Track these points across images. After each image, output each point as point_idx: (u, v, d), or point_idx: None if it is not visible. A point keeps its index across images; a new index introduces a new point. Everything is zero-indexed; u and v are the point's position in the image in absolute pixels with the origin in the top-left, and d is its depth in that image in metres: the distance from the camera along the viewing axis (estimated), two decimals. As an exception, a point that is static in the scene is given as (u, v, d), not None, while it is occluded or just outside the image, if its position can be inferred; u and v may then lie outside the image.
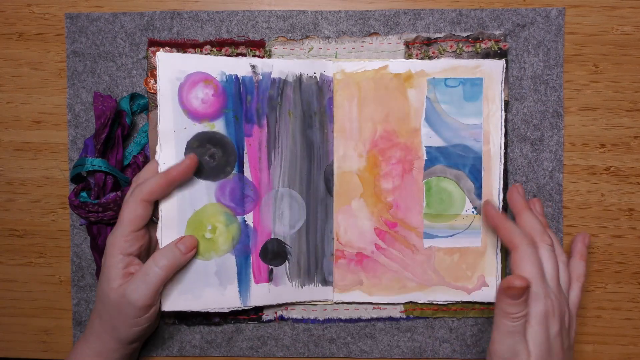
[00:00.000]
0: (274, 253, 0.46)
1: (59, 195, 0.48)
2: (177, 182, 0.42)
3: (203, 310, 0.44)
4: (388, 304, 0.47)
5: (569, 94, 0.47)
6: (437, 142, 0.46)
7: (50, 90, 0.48)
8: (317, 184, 0.46)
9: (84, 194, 0.45)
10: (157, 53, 0.43)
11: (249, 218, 0.45)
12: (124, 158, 0.46)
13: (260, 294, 0.45)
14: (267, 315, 0.47)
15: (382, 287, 0.47)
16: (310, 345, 0.48)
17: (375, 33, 0.47)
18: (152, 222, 0.43)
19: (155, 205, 0.43)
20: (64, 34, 0.48)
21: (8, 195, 0.48)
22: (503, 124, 0.46)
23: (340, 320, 0.48)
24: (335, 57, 0.47)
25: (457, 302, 0.47)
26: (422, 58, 0.46)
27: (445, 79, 0.46)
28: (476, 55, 0.46)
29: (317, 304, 0.48)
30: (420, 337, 0.48)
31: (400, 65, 0.46)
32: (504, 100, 0.46)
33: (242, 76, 0.45)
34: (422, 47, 0.47)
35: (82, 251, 0.48)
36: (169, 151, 0.43)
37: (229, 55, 0.46)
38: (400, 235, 0.47)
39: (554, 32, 0.47)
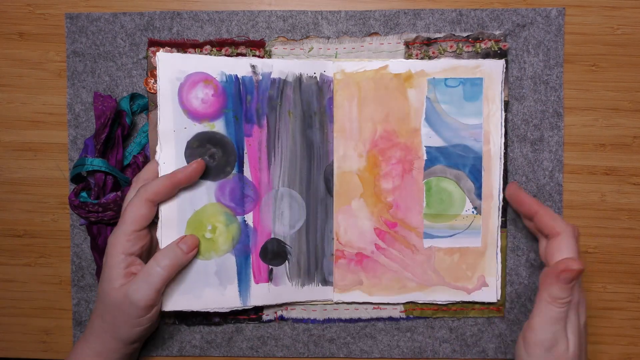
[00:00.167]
0: (274, 253, 0.46)
1: (59, 195, 0.48)
2: (182, 184, 0.42)
3: (203, 310, 0.44)
4: (388, 304, 0.47)
5: (569, 94, 0.47)
6: (437, 142, 0.46)
7: (50, 90, 0.48)
8: (317, 184, 0.46)
9: (84, 194, 0.45)
10: (157, 53, 0.43)
11: (249, 218, 0.45)
12: (124, 158, 0.46)
13: (260, 294, 0.45)
14: (267, 315, 0.47)
15: (382, 287, 0.47)
16: (310, 345, 0.48)
17: (375, 33, 0.47)
18: (153, 222, 0.43)
19: None
20: (64, 34, 0.48)
21: (8, 195, 0.48)
22: (503, 124, 0.46)
23: (340, 320, 0.48)
24: (335, 57, 0.47)
25: (457, 302, 0.47)
26: (422, 58, 0.46)
27: (445, 79, 0.46)
28: (476, 55, 0.46)
29: (317, 304, 0.48)
30: (420, 337, 0.48)
31: (400, 65, 0.46)
32: (504, 100, 0.46)
33: (242, 76, 0.45)
34: (422, 47, 0.47)
35: (82, 251, 0.48)
36: (169, 151, 0.43)
37: (229, 56, 0.46)
38: (400, 235, 0.47)
39: (554, 32, 0.47)
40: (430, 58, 0.46)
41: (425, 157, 0.46)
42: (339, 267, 0.47)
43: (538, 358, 0.39)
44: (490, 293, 0.47)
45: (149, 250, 0.43)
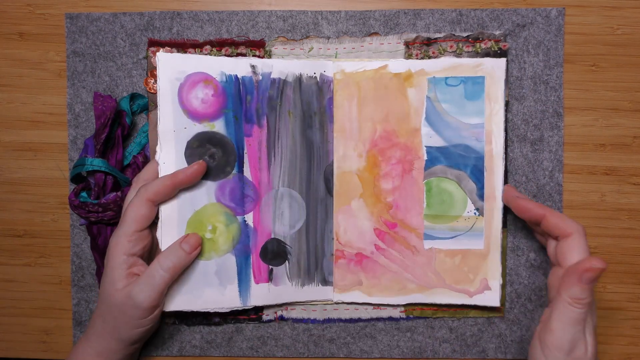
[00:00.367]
0: (274, 253, 0.46)
1: (59, 195, 0.48)
2: (183, 185, 0.42)
3: (203, 310, 0.44)
4: (388, 305, 0.47)
5: (569, 94, 0.47)
6: (438, 142, 0.46)
7: (50, 90, 0.48)
8: (317, 184, 0.46)
9: (84, 194, 0.45)
10: (157, 53, 0.43)
11: (249, 218, 0.45)
12: (124, 158, 0.46)
13: (261, 294, 0.45)
14: (267, 315, 0.47)
15: (381, 288, 0.47)
16: (310, 345, 0.48)
17: (375, 33, 0.47)
18: (153, 222, 0.43)
19: None
20: (64, 34, 0.48)
21: (8, 195, 0.48)
22: (503, 123, 0.46)
23: (340, 320, 0.48)
24: (335, 57, 0.47)
25: (455, 305, 0.47)
26: (422, 58, 0.46)
27: (446, 78, 0.46)
28: (476, 55, 0.46)
29: (317, 304, 0.48)
30: (420, 337, 0.48)
31: (400, 64, 0.46)
32: (505, 100, 0.46)
33: (242, 76, 0.45)
34: (422, 47, 0.47)
35: (82, 251, 0.48)
36: (169, 151, 0.43)
37: (229, 56, 0.46)
38: (400, 236, 0.46)
39: (553, 32, 0.47)
40: (430, 58, 0.46)
41: (425, 157, 0.46)
42: (338, 267, 0.47)
43: None
44: (494, 297, 0.46)
45: (150, 250, 0.43)
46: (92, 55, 0.47)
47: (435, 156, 0.46)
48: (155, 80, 0.44)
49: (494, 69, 0.45)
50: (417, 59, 0.46)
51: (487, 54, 0.46)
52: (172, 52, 0.46)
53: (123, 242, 0.40)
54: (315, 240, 0.46)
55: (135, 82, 0.47)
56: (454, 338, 0.48)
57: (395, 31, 0.47)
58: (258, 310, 0.47)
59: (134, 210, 0.40)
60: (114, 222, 0.46)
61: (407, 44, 0.47)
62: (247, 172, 0.45)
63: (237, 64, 0.44)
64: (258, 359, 0.48)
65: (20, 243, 0.49)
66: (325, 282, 0.47)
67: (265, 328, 0.48)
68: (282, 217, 0.46)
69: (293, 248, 0.46)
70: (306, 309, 0.48)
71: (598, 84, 0.47)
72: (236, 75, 0.44)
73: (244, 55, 0.47)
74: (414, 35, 0.47)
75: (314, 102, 0.46)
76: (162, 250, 0.42)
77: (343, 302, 0.47)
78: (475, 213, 0.46)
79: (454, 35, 0.46)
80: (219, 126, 0.44)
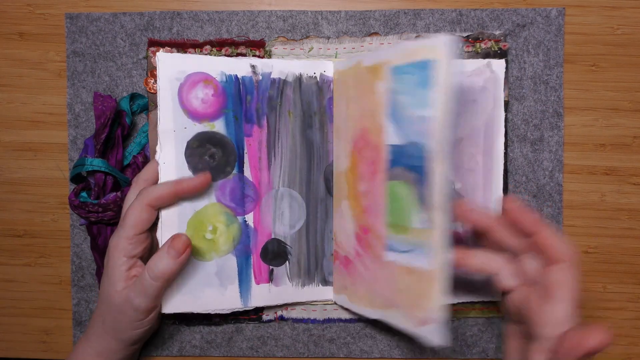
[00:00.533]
0: (274, 253, 0.46)
1: (59, 195, 0.48)
2: (185, 195, 0.42)
3: (204, 312, 0.44)
4: (361, 315, 0.44)
5: (569, 94, 0.47)
6: (397, 139, 0.39)
7: (50, 90, 0.48)
8: (317, 184, 0.46)
9: (84, 194, 0.45)
10: (157, 53, 0.43)
11: (249, 218, 0.45)
12: (124, 158, 0.46)
13: (261, 295, 0.45)
14: (267, 315, 0.47)
15: (359, 296, 0.43)
16: (310, 345, 0.48)
17: (375, 33, 0.47)
18: (154, 224, 0.43)
19: None
20: (64, 34, 0.48)
21: (8, 195, 0.48)
22: (500, 123, 0.46)
23: (340, 320, 0.48)
24: (335, 57, 0.47)
25: (457, 303, 0.47)
26: (422, 58, 0.46)
27: (405, 65, 0.38)
28: (476, 55, 0.46)
29: (317, 304, 0.48)
30: (420, 337, 0.48)
31: (372, 57, 0.41)
32: (505, 100, 0.46)
33: (242, 76, 0.45)
34: (422, 47, 0.46)
35: (82, 251, 0.48)
36: (169, 151, 0.43)
37: (229, 56, 0.46)
38: (370, 243, 0.42)
39: (554, 32, 0.47)
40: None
41: (388, 157, 0.40)
42: (335, 268, 0.47)
43: None
44: (433, 332, 0.36)
45: (150, 250, 0.43)
46: (92, 55, 0.47)
47: (397, 156, 0.39)
48: (155, 80, 0.44)
49: (446, 50, 0.35)
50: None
51: (487, 54, 0.46)
52: (172, 52, 0.46)
53: (123, 243, 0.40)
54: (315, 240, 0.46)
55: (135, 82, 0.47)
56: (454, 338, 0.48)
57: (395, 31, 0.47)
58: (258, 310, 0.47)
59: (134, 213, 0.40)
60: (114, 222, 0.46)
61: (407, 44, 0.46)
62: (247, 172, 0.45)
63: (237, 64, 0.44)
64: (258, 359, 0.48)
65: (20, 243, 0.49)
66: (326, 282, 0.47)
67: (265, 328, 0.48)
68: (282, 217, 0.46)
69: (293, 248, 0.46)
70: (306, 309, 0.48)
71: (598, 84, 0.48)
72: (236, 75, 0.44)
73: (244, 55, 0.47)
74: (414, 35, 0.47)
75: (314, 102, 0.46)
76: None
77: (336, 303, 0.47)
78: (424, 224, 0.37)
79: (454, 35, 0.46)
80: (219, 126, 0.44)
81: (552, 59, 0.47)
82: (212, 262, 0.44)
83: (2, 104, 0.48)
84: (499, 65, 0.46)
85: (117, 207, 0.44)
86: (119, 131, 0.46)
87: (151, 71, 0.47)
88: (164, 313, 0.43)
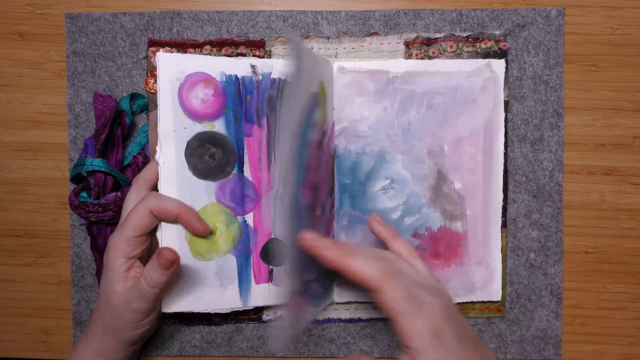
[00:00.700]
0: (274, 253, 0.46)
1: (59, 195, 0.48)
2: (185, 226, 0.41)
3: (203, 312, 0.44)
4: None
5: (569, 94, 0.47)
6: None
7: (50, 90, 0.48)
8: (317, 184, 0.46)
9: (84, 194, 0.45)
10: (157, 53, 0.43)
11: (249, 218, 0.45)
12: (124, 158, 0.46)
13: (261, 295, 0.45)
14: (267, 315, 0.47)
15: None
16: (310, 345, 0.48)
17: (375, 33, 0.47)
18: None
19: None
20: (64, 34, 0.48)
21: (8, 195, 0.48)
22: (500, 123, 0.46)
23: (340, 320, 0.48)
24: (335, 57, 0.47)
25: (457, 303, 0.47)
26: (422, 58, 0.46)
27: None
28: (476, 55, 0.46)
29: (317, 304, 0.48)
30: (420, 337, 0.48)
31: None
32: (505, 100, 0.46)
33: (242, 76, 0.45)
34: (422, 47, 0.47)
35: (82, 251, 0.48)
36: (169, 151, 0.43)
37: (229, 56, 0.46)
38: None
39: (553, 32, 0.47)
40: (430, 58, 0.46)
41: None
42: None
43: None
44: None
45: (149, 251, 0.43)
46: (92, 55, 0.47)
47: None
48: (155, 80, 0.44)
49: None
50: (417, 59, 0.46)
51: (487, 54, 0.46)
52: (172, 52, 0.46)
53: (122, 244, 0.40)
54: (315, 240, 0.46)
55: (135, 82, 0.47)
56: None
57: (395, 31, 0.47)
58: (258, 310, 0.47)
59: (136, 216, 0.40)
60: (114, 222, 0.46)
61: (407, 44, 0.47)
62: (247, 172, 0.45)
63: (237, 64, 0.44)
64: (258, 359, 0.48)
65: (20, 243, 0.49)
66: (326, 282, 0.47)
67: (265, 328, 0.48)
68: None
69: (293, 248, 0.46)
70: (306, 309, 0.48)
71: (598, 84, 0.48)
72: (236, 75, 0.44)
73: (244, 55, 0.47)
74: (414, 35, 0.47)
75: (314, 102, 0.46)
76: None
77: (343, 302, 0.47)
78: None
79: (454, 35, 0.46)
80: (219, 126, 0.44)
81: (552, 59, 0.47)
82: (212, 262, 0.44)
83: (2, 104, 0.48)
84: (499, 65, 0.46)
85: (117, 207, 0.44)
86: (119, 131, 0.46)
87: (151, 71, 0.47)
88: (164, 312, 0.43)
